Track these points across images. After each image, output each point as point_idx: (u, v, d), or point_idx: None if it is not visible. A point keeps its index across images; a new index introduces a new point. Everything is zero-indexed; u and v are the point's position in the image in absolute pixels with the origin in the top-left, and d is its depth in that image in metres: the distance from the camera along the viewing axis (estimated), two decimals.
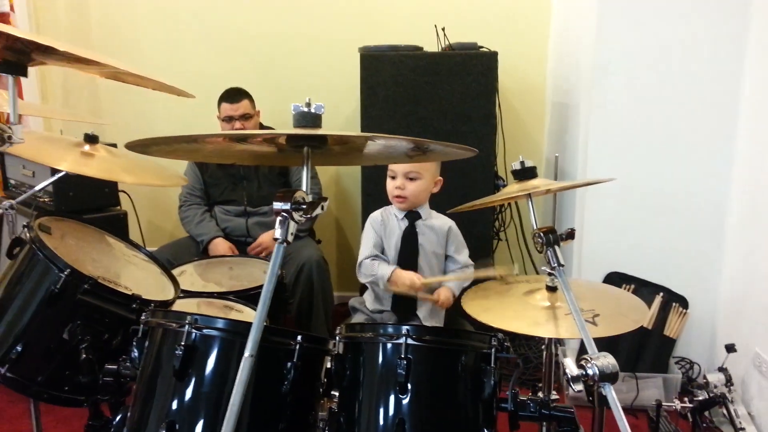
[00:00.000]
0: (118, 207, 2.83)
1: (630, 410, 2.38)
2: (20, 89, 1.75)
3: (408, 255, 1.90)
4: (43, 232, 1.41)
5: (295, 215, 0.85)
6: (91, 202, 2.70)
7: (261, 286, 2.03)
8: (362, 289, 2.09)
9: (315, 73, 3.24)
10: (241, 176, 2.84)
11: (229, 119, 2.78)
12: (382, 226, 1.95)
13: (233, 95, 2.80)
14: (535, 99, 3.26)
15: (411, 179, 1.86)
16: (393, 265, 1.88)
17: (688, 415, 2.18)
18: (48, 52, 0.98)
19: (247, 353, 0.81)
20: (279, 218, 0.85)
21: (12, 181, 2.89)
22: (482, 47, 2.76)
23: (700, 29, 2.35)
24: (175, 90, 1.12)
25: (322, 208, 0.88)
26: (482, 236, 2.80)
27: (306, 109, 0.88)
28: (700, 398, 2.17)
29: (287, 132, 0.84)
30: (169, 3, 3.27)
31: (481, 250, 2.84)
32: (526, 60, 3.19)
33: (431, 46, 2.85)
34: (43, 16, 3.31)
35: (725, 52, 2.34)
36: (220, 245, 2.71)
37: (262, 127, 2.93)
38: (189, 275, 2.32)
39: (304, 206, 0.85)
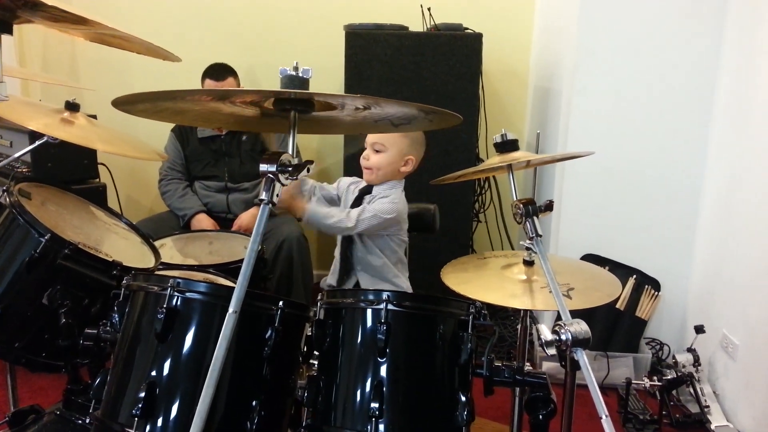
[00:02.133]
0: (97, 179, 2.79)
1: (601, 388, 2.45)
2: None
3: None
4: (23, 197, 1.39)
5: (281, 177, 0.86)
6: (70, 174, 2.66)
7: (240, 261, 2.05)
8: None
9: (300, 50, 3.22)
10: (223, 152, 2.83)
11: None
12: (344, 192, 1.91)
13: (218, 71, 2.76)
14: (518, 82, 3.29)
15: (376, 151, 1.80)
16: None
17: (657, 393, 2.25)
18: (35, 9, 0.96)
19: (231, 309, 0.83)
20: (265, 179, 0.86)
21: None
22: (467, 29, 2.77)
23: (679, 19, 2.40)
24: (162, 53, 1.11)
25: (308, 171, 0.90)
26: (462, 217, 2.84)
27: (294, 73, 0.88)
28: (669, 377, 2.25)
29: (276, 90, 0.85)
30: None
31: (462, 232, 2.88)
32: (510, 44, 3.22)
33: (417, 26, 2.85)
34: None
35: (703, 41, 2.39)
36: (204, 220, 2.70)
37: None
38: (168, 249, 2.30)
39: (290, 168, 0.86)
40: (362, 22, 2.76)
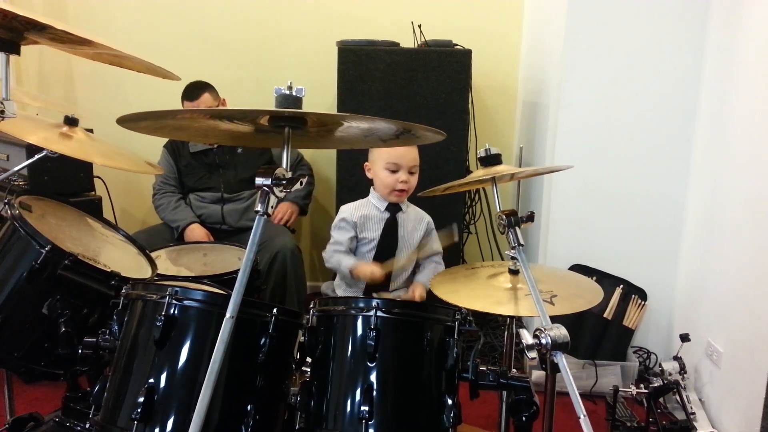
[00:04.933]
0: (93, 192, 2.83)
1: (589, 396, 2.50)
2: None
3: (388, 246, 1.96)
4: (24, 210, 1.43)
5: (276, 190, 0.91)
6: (66, 187, 2.70)
7: (234, 272, 2.09)
8: (335, 275, 2.15)
9: (292, 66, 3.28)
10: (217, 164, 2.87)
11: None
12: (361, 220, 1.98)
13: (191, 92, 2.77)
14: (507, 97, 3.37)
15: (412, 173, 1.92)
16: (369, 258, 1.94)
17: (644, 401, 2.30)
18: (42, 30, 1.01)
19: (228, 314, 0.87)
20: (260, 192, 0.91)
21: None
22: (457, 45, 2.85)
23: (661, 35, 2.48)
24: (162, 72, 1.16)
25: (301, 184, 0.95)
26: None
27: (288, 92, 0.94)
28: (655, 385, 2.30)
29: (272, 111, 0.90)
30: None
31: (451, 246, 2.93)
32: (499, 60, 3.30)
33: (408, 42, 2.92)
34: None
35: (684, 57, 2.47)
36: (197, 230, 2.74)
37: None
38: (163, 260, 2.33)
39: (284, 182, 0.91)
40: (354, 39, 2.83)
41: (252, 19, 3.28)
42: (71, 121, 1.79)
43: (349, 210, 2.01)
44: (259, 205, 0.91)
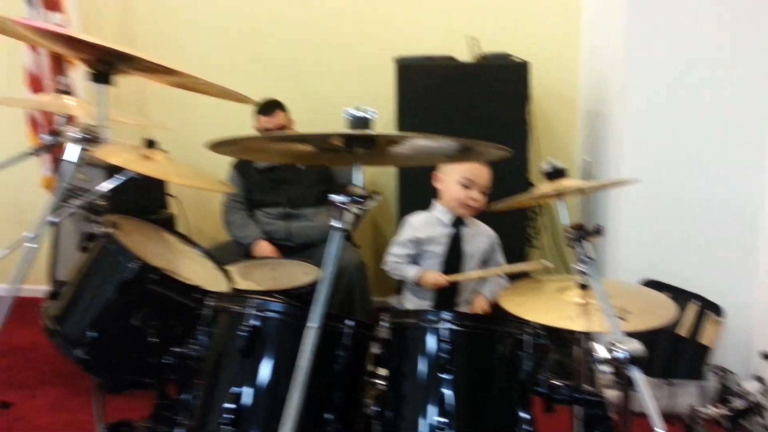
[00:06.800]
0: (166, 210, 2.99)
1: (665, 417, 2.40)
2: (73, 91, 1.92)
3: (453, 260, 1.98)
4: (114, 228, 1.55)
5: (352, 207, 0.95)
6: (142, 205, 2.85)
7: (301, 287, 2.16)
8: (399, 289, 2.18)
9: (349, 82, 3.34)
10: (282, 180, 2.96)
11: (265, 131, 2.91)
12: (425, 234, 2.00)
13: (269, 108, 2.92)
14: (567, 108, 3.32)
15: (483, 193, 1.96)
16: (428, 268, 1.96)
17: (724, 422, 2.19)
18: (132, 62, 1.11)
19: (312, 324, 0.92)
20: (337, 210, 0.96)
21: (67, 185, 3.07)
22: (514, 57, 2.85)
23: (731, 37, 2.38)
24: (238, 96, 1.24)
25: (377, 201, 0.99)
26: (515, 243, 2.86)
27: (360, 114, 0.99)
28: (736, 405, 2.19)
29: (357, 132, 0.95)
30: (209, 14, 3.43)
31: (516, 257, 2.90)
32: (557, 69, 3.26)
33: (463, 55, 2.94)
34: (90, 24, 3.46)
35: (756, 61, 2.37)
36: (264, 247, 2.83)
37: None
38: (232, 275, 2.43)
39: (360, 199, 0.96)
40: (411, 54, 2.87)
41: (308, 36, 3.35)
42: (151, 144, 1.92)
43: (414, 224, 2.03)
44: (336, 221, 0.96)
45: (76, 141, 1.14)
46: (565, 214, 1.23)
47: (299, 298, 2.05)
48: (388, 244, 2.12)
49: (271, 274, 2.53)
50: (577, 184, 1.31)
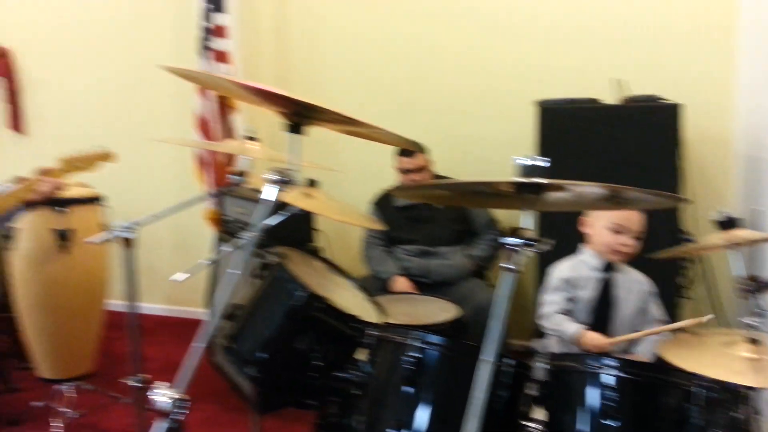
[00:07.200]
0: (313, 243, 3.21)
1: None
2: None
3: (603, 307, 1.91)
4: (284, 259, 1.72)
5: (525, 250, 1.01)
6: (293, 238, 3.09)
7: (437, 324, 2.20)
8: (536, 332, 2.13)
9: (489, 124, 3.39)
10: (419, 218, 3.07)
11: (406, 171, 3.04)
12: (574, 280, 1.94)
13: (411, 150, 3.03)
14: (721, 152, 3.12)
15: (637, 238, 1.88)
16: (582, 318, 1.90)
17: None
18: (324, 114, 1.27)
19: (487, 357, 0.97)
20: (510, 252, 1.02)
21: (229, 218, 3.42)
22: (663, 99, 2.75)
23: None
24: (403, 142, 1.36)
25: (548, 245, 1.04)
26: (665, 293, 2.69)
27: (533, 162, 1.06)
28: None
29: (527, 180, 1.02)
30: (359, 60, 3.65)
31: (666, 308, 2.73)
32: (710, 111, 3.07)
33: (607, 98, 2.89)
34: (250, 70, 3.79)
35: None
36: (402, 283, 2.93)
37: (437, 177, 3.16)
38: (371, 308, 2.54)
39: (532, 242, 1.01)
40: (553, 97, 2.87)
41: (451, 81, 3.45)
42: (312, 183, 2.11)
43: (562, 270, 1.99)
44: (509, 263, 1.01)
45: (274, 183, 1.31)
46: (741, 266, 1.19)
47: (438, 335, 2.10)
48: (534, 294, 2.04)
49: (407, 309, 2.61)
50: (752, 236, 1.25)
